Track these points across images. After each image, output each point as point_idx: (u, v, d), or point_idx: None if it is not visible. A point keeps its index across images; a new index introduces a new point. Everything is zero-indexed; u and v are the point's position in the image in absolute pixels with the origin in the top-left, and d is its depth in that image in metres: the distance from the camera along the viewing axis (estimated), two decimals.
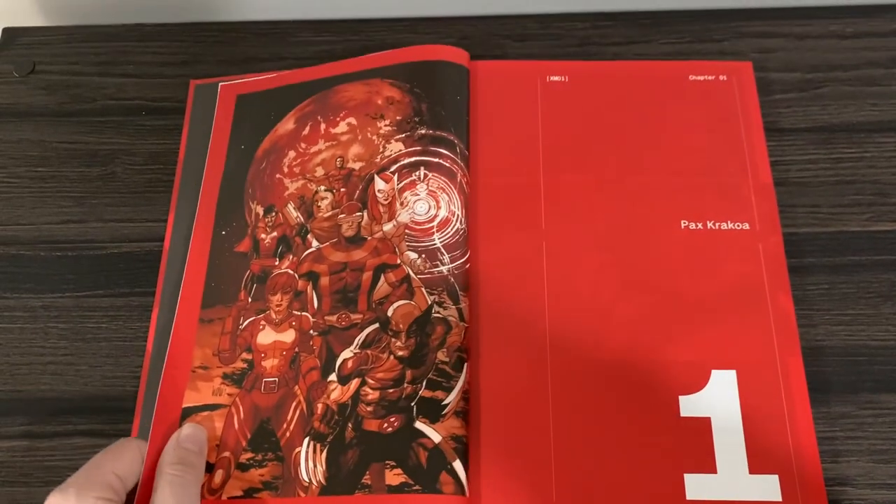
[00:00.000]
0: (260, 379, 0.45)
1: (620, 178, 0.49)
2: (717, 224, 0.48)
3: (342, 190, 0.49)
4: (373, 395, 0.43)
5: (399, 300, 0.45)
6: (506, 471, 0.42)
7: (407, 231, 0.47)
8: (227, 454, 0.43)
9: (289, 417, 0.43)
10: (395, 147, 0.50)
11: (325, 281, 0.47)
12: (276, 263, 0.48)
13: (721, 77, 0.52)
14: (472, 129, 0.51)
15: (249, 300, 0.47)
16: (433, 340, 0.44)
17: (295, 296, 0.47)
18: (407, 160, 0.49)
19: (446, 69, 0.52)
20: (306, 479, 0.42)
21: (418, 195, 0.48)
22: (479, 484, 0.42)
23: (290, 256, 0.48)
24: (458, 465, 0.41)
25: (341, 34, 0.56)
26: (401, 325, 0.45)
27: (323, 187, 0.49)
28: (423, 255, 0.46)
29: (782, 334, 0.45)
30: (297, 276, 0.47)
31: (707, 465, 0.42)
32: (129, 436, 0.44)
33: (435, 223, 0.47)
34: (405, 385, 0.43)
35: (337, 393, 0.44)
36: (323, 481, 0.41)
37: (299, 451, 0.42)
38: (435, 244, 0.47)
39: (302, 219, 0.49)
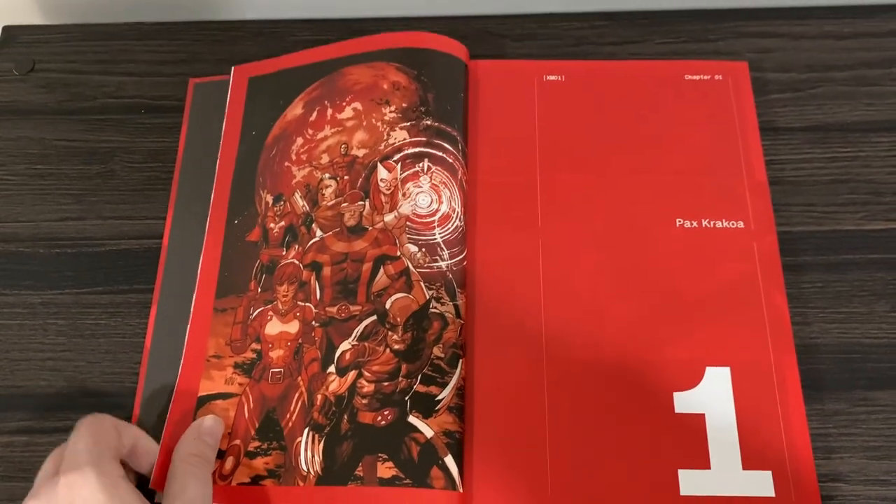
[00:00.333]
0: (267, 369, 0.45)
1: (616, 177, 0.50)
2: (712, 222, 0.48)
3: (346, 178, 0.49)
4: (368, 387, 0.43)
5: (397, 293, 0.45)
6: (500, 467, 0.42)
7: (408, 223, 0.47)
8: (237, 442, 0.43)
9: (292, 408, 0.44)
10: (400, 135, 0.49)
11: (327, 271, 0.47)
12: (283, 253, 0.48)
13: (717, 77, 0.53)
14: (470, 128, 0.51)
15: (259, 290, 0.47)
16: (429, 335, 0.44)
17: (300, 286, 0.47)
18: (411, 150, 0.49)
19: (451, 62, 0.52)
20: (305, 469, 0.42)
21: (421, 188, 0.48)
22: (473, 479, 0.42)
23: (296, 246, 0.48)
24: (449, 461, 0.41)
25: (339, 33, 0.56)
26: (398, 319, 0.45)
27: (327, 175, 0.49)
28: (424, 249, 0.46)
29: (776, 332, 0.45)
30: (301, 266, 0.47)
31: (701, 461, 0.42)
32: None
33: (436, 218, 0.47)
34: (400, 379, 0.43)
35: (335, 384, 0.44)
36: (320, 471, 0.42)
37: (300, 441, 0.43)
38: (435, 239, 0.47)
39: (307, 207, 0.49)
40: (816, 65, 0.54)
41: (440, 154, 0.49)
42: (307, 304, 0.46)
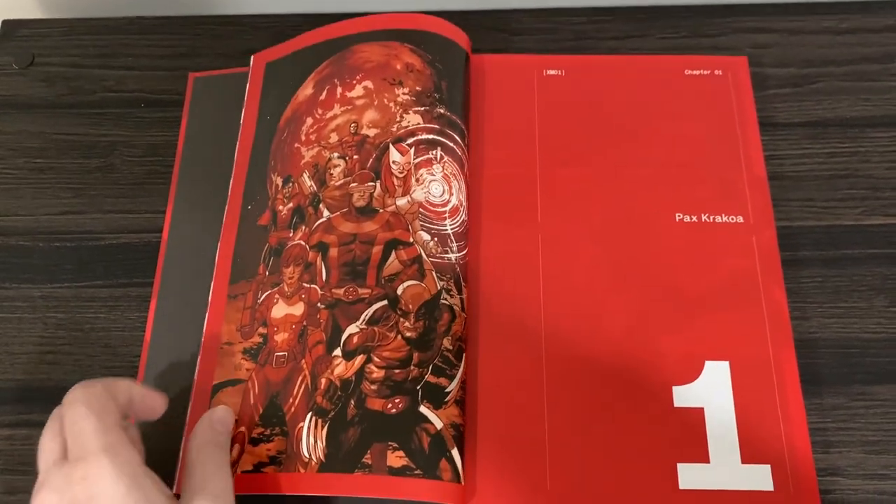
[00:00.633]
0: (272, 353, 0.44)
1: (616, 172, 0.50)
2: (711, 217, 0.48)
3: (355, 157, 0.48)
4: (378, 373, 0.42)
5: (409, 280, 0.44)
6: (501, 460, 0.42)
7: (421, 210, 0.46)
8: (242, 429, 0.43)
9: (295, 392, 0.43)
10: (414, 119, 0.48)
11: (333, 252, 0.45)
12: (291, 235, 0.47)
13: (716, 72, 0.53)
14: (470, 122, 0.51)
15: (267, 273, 0.46)
16: (440, 326, 0.43)
17: (305, 268, 0.46)
18: (424, 136, 0.48)
19: (458, 52, 0.51)
20: (306, 455, 0.41)
21: (434, 176, 0.47)
22: (475, 472, 0.42)
23: (303, 227, 0.47)
24: (455, 453, 0.41)
25: None
26: (410, 306, 0.44)
27: (336, 154, 0.48)
28: (436, 239, 0.45)
29: (775, 326, 0.45)
30: (308, 247, 0.46)
31: (700, 454, 0.42)
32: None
33: (447, 209, 0.47)
34: (412, 367, 0.42)
35: (341, 368, 0.43)
36: (322, 458, 0.41)
37: (302, 427, 0.42)
38: (446, 230, 0.46)
39: (315, 188, 0.48)
40: (815, 60, 0.54)
41: (451, 145, 0.48)
42: (312, 285, 0.45)
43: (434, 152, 0.47)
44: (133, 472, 0.35)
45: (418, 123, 0.48)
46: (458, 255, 0.46)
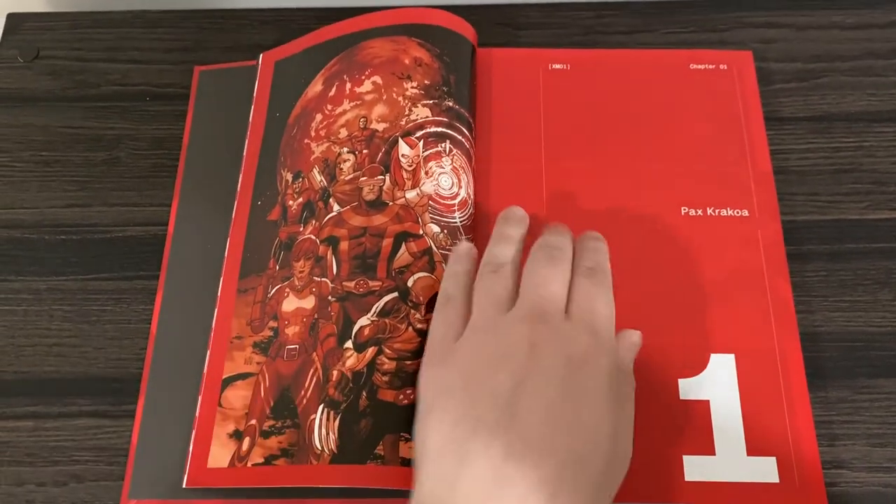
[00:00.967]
0: (283, 347, 0.44)
1: (621, 165, 0.50)
2: (716, 211, 0.48)
3: (364, 152, 0.48)
4: (389, 364, 0.42)
5: (420, 272, 0.44)
6: None
7: (430, 202, 0.46)
8: (253, 422, 0.43)
9: (306, 384, 0.43)
10: (422, 112, 0.48)
11: (344, 245, 0.45)
12: (301, 229, 0.47)
13: (722, 66, 0.53)
14: (476, 115, 0.51)
15: (277, 268, 0.46)
16: None
17: (316, 261, 0.46)
18: (433, 129, 0.48)
19: (466, 45, 0.51)
20: (319, 447, 0.41)
21: (443, 169, 0.47)
22: None
23: (314, 222, 0.47)
24: None
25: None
26: (421, 298, 0.43)
27: (346, 149, 0.48)
28: (446, 231, 0.45)
29: (781, 320, 0.45)
30: (318, 241, 0.46)
31: (706, 447, 0.42)
32: (133, 418, 0.45)
33: (456, 201, 0.47)
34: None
35: (352, 360, 0.42)
36: (335, 449, 0.40)
37: (314, 419, 0.41)
38: (456, 222, 0.46)
39: (325, 183, 0.48)
40: (821, 55, 0.54)
41: (460, 138, 0.48)
42: (323, 278, 0.45)
43: (443, 145, 0.47)
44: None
45: (427, 116, 0.48)
46: None
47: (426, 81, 0.49)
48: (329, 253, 0.46)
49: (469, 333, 0.37)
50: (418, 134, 0.48)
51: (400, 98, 0.49)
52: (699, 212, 0.48)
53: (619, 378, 0.37)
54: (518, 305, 0.37)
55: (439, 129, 0.48)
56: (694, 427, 0.43)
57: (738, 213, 0.48)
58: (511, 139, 0.51)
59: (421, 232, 0.45)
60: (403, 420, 0.40)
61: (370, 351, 0.42)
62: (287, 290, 0.46)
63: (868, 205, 0.49)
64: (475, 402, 0.33)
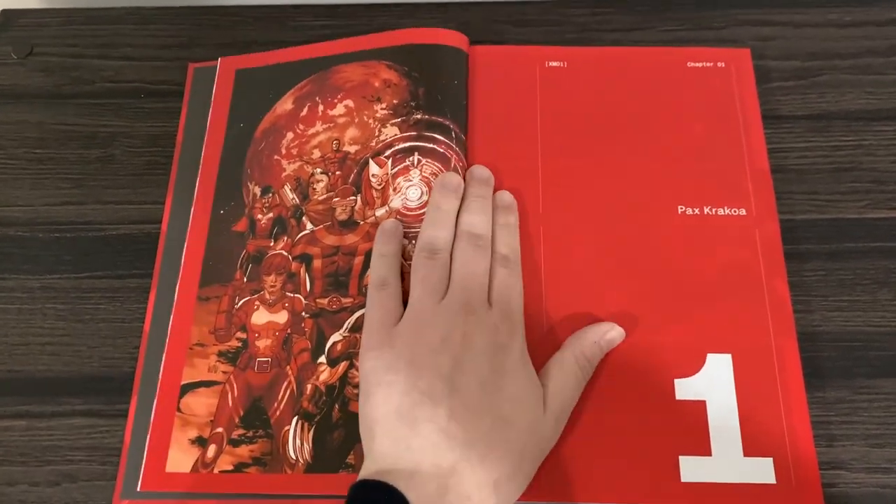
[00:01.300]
0: (254, 358, 0.45)
1: (618, 164, 0.49)
2: (714, 210, 0.48)
3: (337, 173, 0.49)
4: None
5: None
6: None
7: (398, 217, 0.47)
8: (220, 430, 0.43)
9: (279, 397, 0.44)
10: (391, 131, 0.50)
11: (317, 263, 0.47)
12: (272, 244, 0.48)
13: (719, 64, 0.53)
14: (471, 114, 0.51)
15: (245, 280, 0.47)
16: None
17: (288, 277, 0.47)
18: (401, 145, 0.49)
19: (445, 53, 0.52)
20: (293, 457, 0.42)
21: (411, 181, 0.48)
22: None
23: (285, 238, 0.48)
24: None
25: (341, 18, 0.56)
26: None
27: (319, 170, 0.50)
28: (414, 242, 0.46)
29: (778, 319, 0.45)
30: (290, 257, 0.47)
31: (702, 447, 0.42)
32: (127, 416, 0.45)
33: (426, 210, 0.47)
34: None
35: (326, 374, 0.44)
36: (309, 459, 0.42)
37: (288, 430, 0.43)
38: None
39: (297, 201, 0.49)
40: (819, 53, 0.54)
41: (430, 146, 0.49)
42: (296, 294, 0.46)
43: (411, 159, 0.49)
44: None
45: (395, 135, 0.50)
46: None
47: (395, 101, 0.51)
48: (302, 270, 0.47)
49: (409, 320, 0.42)
50: (387, 153, 0.49)
51: (370, 120, 0.51)
52: (696, 210, 0.48)
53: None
54: (450, 297, 0.42)
55: (407, 145, 0.49)
56: (690, 427, 0.42)
57: (735, 211, 0.48)
58: (507, 136, 0.50)
59: None
60: None
61: (342, 365, 0.44)
62: (257, 302, 0.46)
63: (867, 204, 0.49)
64: (420, 377, 0.39)
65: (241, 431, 0.43)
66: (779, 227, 0.47)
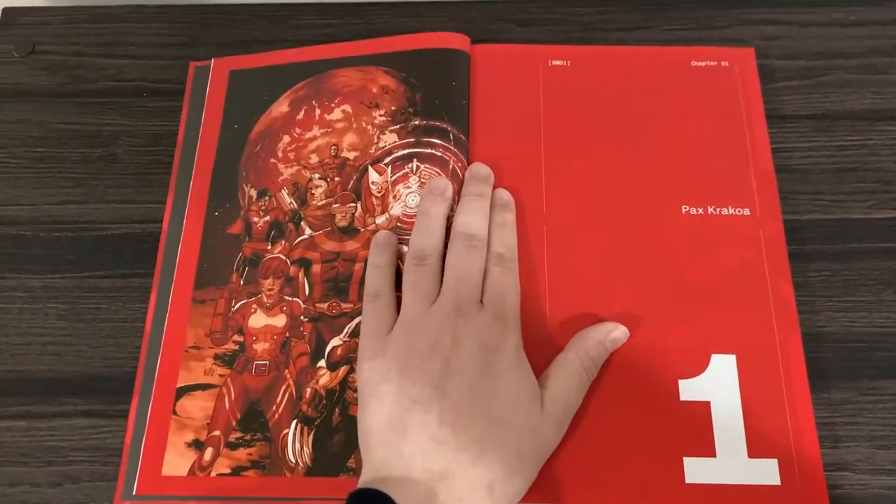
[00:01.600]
0: (251, 362, 0.45)
1: (621, 163, 0.49)
2: (718, 209, 0.48)
3: (336, 179, 0.49)
4: None
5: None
6: None
7: (399, 224, 0.47)
8: (217, 433, 0.43)
9: (278, 400, 0.44)
10: (390, 138, 0.50)
11: (316, 269, 0.47)
12: (269, 248, 0.48)
13: (723, 63, 0.52)
14: (473, 114, 0.51)
15: (241, 283, 0.47)
16: None
17: (286, 281, 0.47)
18: (400, 152, 0.49)
19: (445, 56, 0.52)
20: (293, 460, 0.42)
21: (410, 188, 0.48)
22: None
23: (283, 242, 0.48)
24: None
25: (343, 17, 0.56)
26: None
27: (317, 175, 0.49)
28: None
29: (782, 320, 0.45)
30: (288, 261, 0.47)
31: (706, 448, 0.42)
32: (128, 416, 0.44)
33: None
34: None
35: (326, 378, 0.44)
36: (309, 462, 0.42)
37: (287, 433, 0.43)
38: None
39: (295, 205, 0.49)
40: (824, 52, 0.54)
41: (428, 151, 0.49)
42: (295, 298, 0.46)
43: (410, 165, 0.49)
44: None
45: (394, 142, 0.50)
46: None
47: (393, 108, 0.51)
48: (301, 274, 0.47)
49: (400, 328, 0.42)
50: (387, 160, 0.49)
51: (369, 127, 0.50)
52: (700, 210, 0.48)
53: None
54: (441, 300, 0.42)
55: (405, 152, 0.49)
56: (694, 428, 0.42)
57: (739, 211, 0.48)
58: (510, 136, 0.50)
59: None
60: None
61: (342, 369, 0.44)
62: (254, 306, 0.46)
63: (872, 204, 0.49)
64: (411, 385, 0.39)
65: (238, 434, 0.43)
66: (783, 228, 0.47)
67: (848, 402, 0.44)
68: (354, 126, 0.51)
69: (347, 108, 0.51)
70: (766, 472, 0.41)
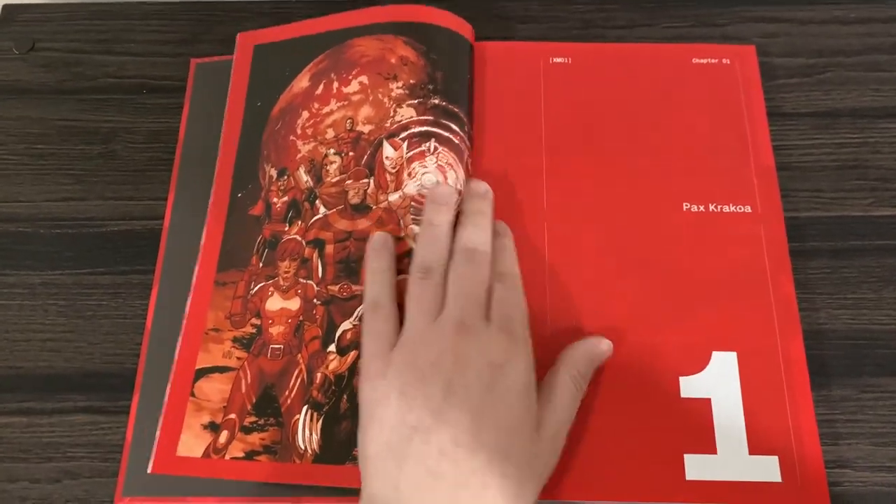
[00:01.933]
0: (267, 345, 0.44)
1: (623, 160, 0.49)
2: (718, 207, 0.48)
3: (350, 154, 0.48)
4: None
5: (401, 274, 0.44)
6: None
7: (413, 203, 0.46)
8: (232, 416, 0.43)
9: (291, 384, 0.43)
10: (407, 112, 0.48)
11: (329, 249, 0.46)
12: (286, 229, 0.47)
13: (724, 60, 0.52)
14: (475, 110, 0.51)
15: (261, 265, 0.46)
16: None
17: (302, 263, 0.46)
18: (417, 128, 0.48)
19: (458, 41, 0.51)
20: (302, 447, 0.42)
21: (427, 168, 0.47)
22: None
23: (299, 222, 0.47)
24: None
25: None
26: (401, 301, 0.43)
27: (332, 150, 0.48)
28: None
29: (783, 317, 0.45)
30: (304, 242, 0.46)
31: (707, 445, 0.42)
32: (129, 413, 0.44)
33: None
34: None
35: (335, 363, 0.43)
36: (317, 449, 0.42)
37: (297, 419, 0.42)
38: None
39: (311, 183, 0.48)
40: (824, 50, 0.54)
41: (447, 135, 0.48)
42: (309, 281, 0.45)
43: (427, 144, 0.47)
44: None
45: (411, 117, 0.48)
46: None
47: (411, 81, 0.49)
48: (315, 256, 0.46)
49: (402, 345, 0.40)
50: (403, 135, 0.48)
51: (385, 99, 0.49)
52: (701, 208, 0.48)
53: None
54: (445, 316, 0.40)
55: (424, 129, 0.48)
56: (695, 425, 0.42)
57: (740, 209, 0.48)
58: (511, 133, 0.50)
59: (402, 234, 0.45)
60: None
61: (351, 355, 0.43)
62: (271, 288, 0.46)
63: (873, 201, 0.49)
64: (410, 410, 0.37)
65: (252, 419, 0.43)
66: (784, 225, 0.47)
67: (848, 399, 0.44)
68: (371, 98, 0.49)
69: (364, 79, 0.50)
70: (767, 469, 0.41)
